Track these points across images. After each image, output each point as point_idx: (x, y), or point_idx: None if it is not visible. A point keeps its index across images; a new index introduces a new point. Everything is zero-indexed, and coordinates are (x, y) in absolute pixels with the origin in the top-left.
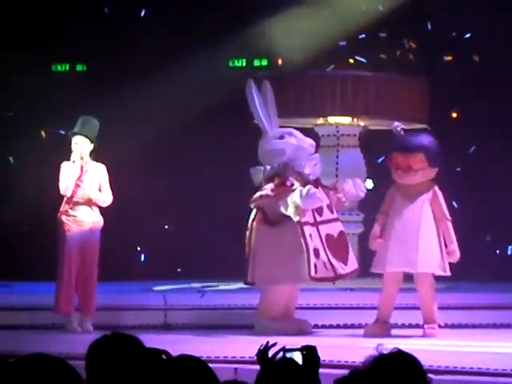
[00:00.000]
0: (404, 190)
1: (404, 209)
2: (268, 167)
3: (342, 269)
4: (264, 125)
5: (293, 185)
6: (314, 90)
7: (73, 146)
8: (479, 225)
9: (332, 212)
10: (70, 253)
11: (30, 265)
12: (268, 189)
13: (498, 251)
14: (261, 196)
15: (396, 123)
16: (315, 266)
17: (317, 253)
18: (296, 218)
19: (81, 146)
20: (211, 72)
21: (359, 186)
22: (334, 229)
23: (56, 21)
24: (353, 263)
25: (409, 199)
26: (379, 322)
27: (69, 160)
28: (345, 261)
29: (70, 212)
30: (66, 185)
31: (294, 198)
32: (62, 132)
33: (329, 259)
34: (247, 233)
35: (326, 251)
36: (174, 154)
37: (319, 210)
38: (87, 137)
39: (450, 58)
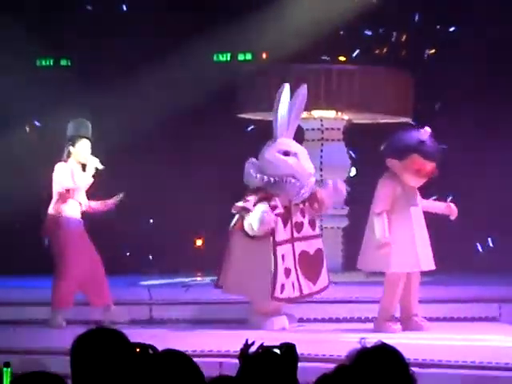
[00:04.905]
0: (409, 191)
1: (416, 210)
2: (259, 176)
3: (308, 288)
4: (276, 131)
5: (276, 207)
6: (299, 83)
7: (82, 149)
8: (463, 218)
9: (314, 229)
10: (76, 250)
11: (14, 259)
12: (251, 201)
13: (480, 244)
14: (243, 207)
15: (426, 128)
16: (283, 286)
17: (288, 272)
18: (251, 233)
19: (88, 148)
20: (195, 67)
21: (340, 188)
22: (312, 246)
23: (40, 15)
24: (323, 281)
25: (414, 200)
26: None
27: (60, 160)
28: (315, 279)
29: (69, 212)
30: (82, 186)
31: (251, 219)
32: (38, 123)
33: (298, 279)
34: (227, 236)
35: (296, 271)
36: (159, 150)
37: (298, 227)
38: (90, 140)
39: (433, 50)
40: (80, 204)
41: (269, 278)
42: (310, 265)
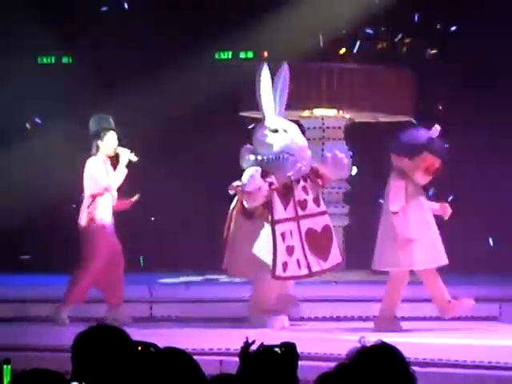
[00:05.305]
0: (417, 188)
1: (426, 206)
2: (252, 157)
3: (318, 266)
4: (264, 111)
5: (272, 183)
6: (300, 82)
7: (110, 141)
8: (464, 217)
9: (319, 205)
10: (103, 250)
11: (15, 258)
12: None
13: (483, 243)
14: (237, 186)
15: (436, 126)
16: (285, 264)
17: (290, 250)
18: (245, 204)
19: (115, 140)
20: (197, 65)
21: (340, 158)
22: (318, 223)
23: (42, 12)
24: (335, 257)
25: (423, 197)
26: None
27: (90, 156)
28: (326, 256)
29: (103, 208)
30: (119, 181)
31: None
32: (39, 121)
33: (305, 256)
34: (227, 219)
35: (303, 248)
36: (160, 149)
37: (303, 204)
38: (115, 131)
39: (435, 51)
40: (113, 197)
41: (269, 258)
42: (319, 242)
